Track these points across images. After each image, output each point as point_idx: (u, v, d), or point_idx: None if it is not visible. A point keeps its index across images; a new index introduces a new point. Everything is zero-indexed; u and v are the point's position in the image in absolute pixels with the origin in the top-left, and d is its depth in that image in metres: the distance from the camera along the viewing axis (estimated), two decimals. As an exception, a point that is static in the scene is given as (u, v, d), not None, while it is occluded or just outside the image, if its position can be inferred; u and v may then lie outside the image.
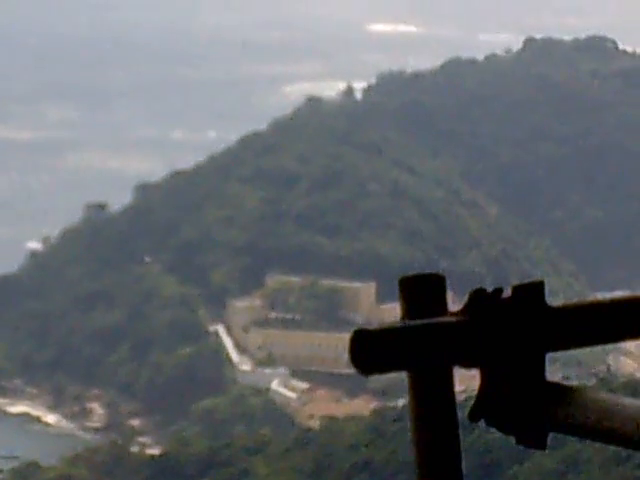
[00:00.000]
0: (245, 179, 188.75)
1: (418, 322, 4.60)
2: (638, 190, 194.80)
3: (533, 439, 4.55)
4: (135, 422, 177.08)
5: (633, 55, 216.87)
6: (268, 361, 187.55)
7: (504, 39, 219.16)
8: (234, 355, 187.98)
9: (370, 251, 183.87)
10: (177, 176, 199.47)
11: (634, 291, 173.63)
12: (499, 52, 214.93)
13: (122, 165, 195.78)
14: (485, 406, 4.59)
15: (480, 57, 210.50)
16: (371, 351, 4.33)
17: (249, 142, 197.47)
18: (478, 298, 4.49)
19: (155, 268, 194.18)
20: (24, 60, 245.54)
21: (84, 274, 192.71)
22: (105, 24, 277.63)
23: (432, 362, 4.55)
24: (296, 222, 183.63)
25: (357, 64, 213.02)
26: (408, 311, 4.61)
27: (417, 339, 4.46)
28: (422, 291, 4.60)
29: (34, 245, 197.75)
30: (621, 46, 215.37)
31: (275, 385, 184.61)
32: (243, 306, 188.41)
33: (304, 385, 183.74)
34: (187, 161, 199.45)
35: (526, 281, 4.87)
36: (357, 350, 4.29)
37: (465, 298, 4.59)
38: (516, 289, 4.54)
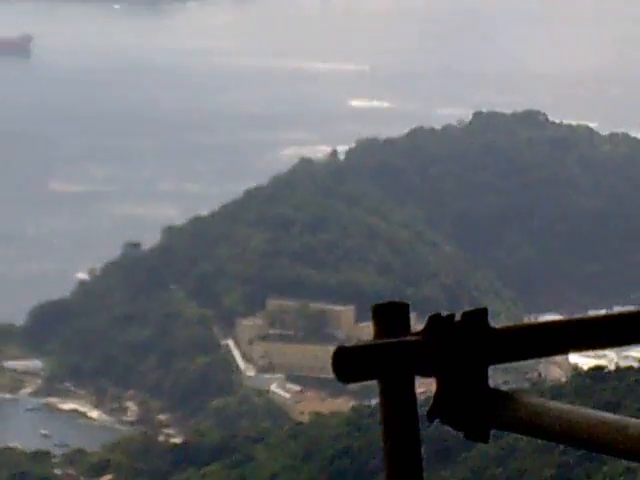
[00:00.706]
0: (251, 223, 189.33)
1: (387, 340, 4.83)
2: (563, 232, 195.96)
3: (478, 434, 4.75)
4: (162, 417, 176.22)
5: (560, 125, 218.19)
6: (268, 368, 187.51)
7: (457, 112, 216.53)
8: (241, 363, 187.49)
9: (350, 281, 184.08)
10: (197, 221, 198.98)
11: (562, 314, 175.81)
12: (453, 123, 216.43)
13: (152, 212, 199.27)
14: (440, 407, 4.78)
15: (438, 127, 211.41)
16: (349, 364, 4.59)
17: (254, 194, 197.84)
18: (435, 321, 4.67)
19: (179, 294, 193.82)
20: (73, 128, 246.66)
21: (122, 299, 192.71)
22: (136, 100, 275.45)
23: (398, 372, 4.73)
24: (291, 258, 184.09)
25: (340, 132, 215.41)
26: (379, 331, 4.83)
27: (386, 354, 4.71)
28: (390, 315, 4.82)
29: (82, 276, 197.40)
30: (550, 118, 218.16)
31: (274, 387, 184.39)
32: (248, 324, 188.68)
33: (297, 388, 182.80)
34: (204, 209, 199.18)
35: (473, 307, 5.02)
36: (338, 363, 4.54)
37: (425, 321, 4.75)
38: (465, 314, 4.74)
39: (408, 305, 4.90)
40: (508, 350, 4.92)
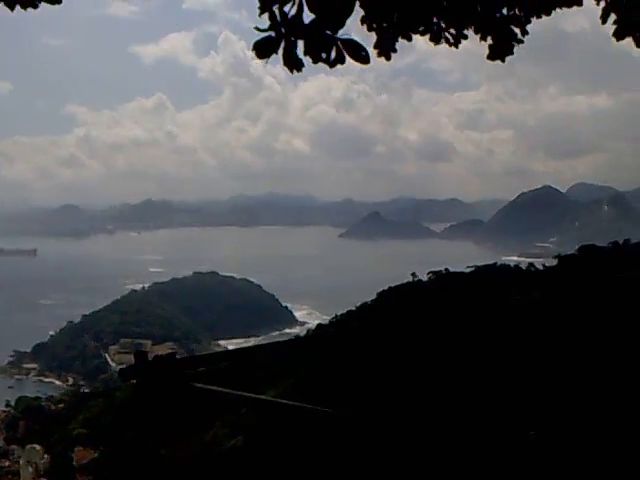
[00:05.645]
0: (112, 313, 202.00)
1: (136, 365, 4.86)
2: (221, 315, 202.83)
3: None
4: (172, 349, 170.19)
5: (226, 277, 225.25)
6: (120, 363, 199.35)
7: (189, 272, 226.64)
8: (110, 362, 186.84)
9: (152, 334, 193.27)
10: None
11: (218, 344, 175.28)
12: (188, 276, 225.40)
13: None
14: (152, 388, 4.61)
15: (181, 277, 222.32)
16: (124, 375, 5.02)
17: (116, 302, 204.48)
18: (157, 357, 4.73)
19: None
20: (62, 285, 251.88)
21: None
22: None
23: (142, 378, 4.80)
24: (130, 325, 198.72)
25: (147, 280, 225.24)
26: (136, 359, 4.96)
27: (135, 371, 4.82)
28: (139, 354, 4.91)
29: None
30: (221, 273, 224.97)
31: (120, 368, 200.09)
32: (114, 348, 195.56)
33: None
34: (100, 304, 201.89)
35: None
36: (120, 375, 4.88)
37: (153, 355, 4.98)
38: (169, 354, 4.80)
39: (146, 352, 4.83)
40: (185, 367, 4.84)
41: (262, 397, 4.83)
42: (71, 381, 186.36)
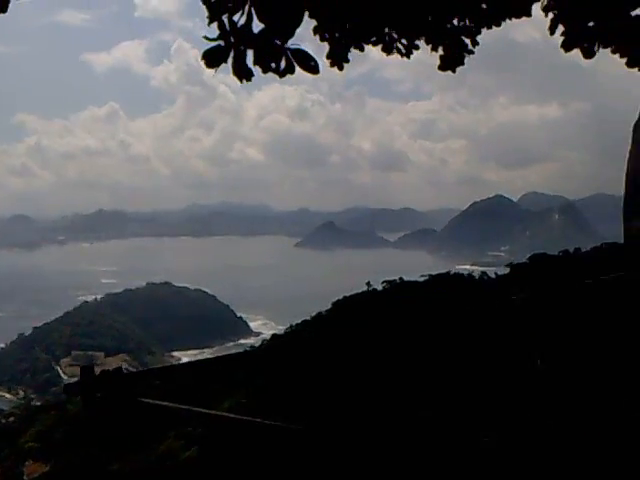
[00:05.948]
0: (65, 324, 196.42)
1: (82, 379, 4.90)
2: (175, 323, 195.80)
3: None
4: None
5: (181, 287, 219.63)
6: (72, 376, 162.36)
7: (142, 283, 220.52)
8: (61, 373, 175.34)
9: (105, 346, 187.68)
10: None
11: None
12: (141, 287, 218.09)
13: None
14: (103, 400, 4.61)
15: (135, 287, 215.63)
16: (67, 390, 4.97)
17: (68, 313, 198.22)
18: (106, 372, 4.69)
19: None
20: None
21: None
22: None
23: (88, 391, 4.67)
24: (82, 336, 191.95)
25: (100, 292, 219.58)
26: (82, 373, 4.90)
27: (82, 387, 4.76)
28: (86, 368, 4.86)
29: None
30: (176, 284, 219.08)
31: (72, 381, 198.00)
32: (65, 360, 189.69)
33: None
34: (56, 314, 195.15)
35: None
36: (67, 390, 4.68)
37: (100, 372, 4.93)
38: (116, 368, 4.74)
39: (93, 367, 4.83)
40: (130, 380, 4.82)
41: (212, 412, 4.66)
42: (22, 394, 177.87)
